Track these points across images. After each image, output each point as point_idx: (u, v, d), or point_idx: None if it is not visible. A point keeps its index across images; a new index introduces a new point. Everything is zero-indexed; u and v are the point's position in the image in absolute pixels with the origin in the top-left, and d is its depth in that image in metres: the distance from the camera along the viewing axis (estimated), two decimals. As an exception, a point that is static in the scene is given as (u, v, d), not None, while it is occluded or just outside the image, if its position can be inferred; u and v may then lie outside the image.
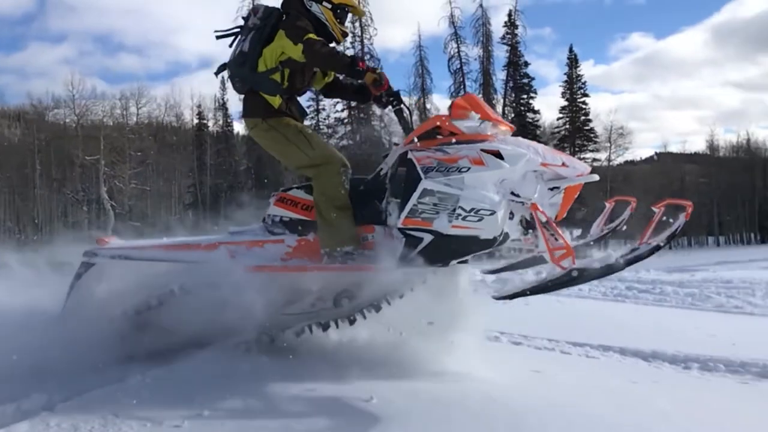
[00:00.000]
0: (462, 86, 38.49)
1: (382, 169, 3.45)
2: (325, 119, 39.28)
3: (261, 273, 3.36)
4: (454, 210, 3.01)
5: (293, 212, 3.52)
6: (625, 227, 3.54)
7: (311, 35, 3.27)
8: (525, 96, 39.57)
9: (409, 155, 3.19)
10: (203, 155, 38.93)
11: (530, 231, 3.29)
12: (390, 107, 3.43)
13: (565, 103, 40.51)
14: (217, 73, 3.78)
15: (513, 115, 39.47)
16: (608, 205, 3.61)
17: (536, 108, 39.64)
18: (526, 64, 39.24)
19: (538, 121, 39.79)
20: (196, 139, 39.82)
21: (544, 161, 3.09)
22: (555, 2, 69.75)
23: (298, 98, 3.66)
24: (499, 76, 38.79)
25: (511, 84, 39.35)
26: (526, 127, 38.54)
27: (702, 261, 16.32)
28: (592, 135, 40.44)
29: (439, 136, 3.19)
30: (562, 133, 40.27)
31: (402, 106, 3.41)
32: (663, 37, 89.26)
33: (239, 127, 39.61)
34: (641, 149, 58.53)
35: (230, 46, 3.62)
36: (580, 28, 77.53)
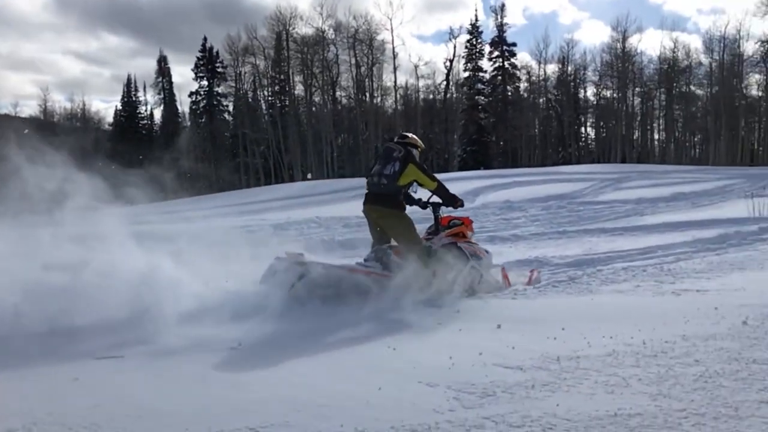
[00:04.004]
0: None
1: (431, 246, 5.91)
2: None
3: None
4: (481, 277, 6.04)
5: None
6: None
7: (438, 178, 5.78)
8: None
9: (459, 245, 5.95)
10: None
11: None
12: (432, 212, 6.02)
13: None
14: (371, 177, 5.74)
15: None
16: (528, 273, 6.86)
17: None
18: None
19: None
20: None
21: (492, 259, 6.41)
22: None
23: None
24: None
25: None
26: None
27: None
28: None
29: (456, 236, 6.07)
30: None
31: (438, 213, 6.03)
32: (3, -10, 76.38)
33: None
34: (-27, 107, 51.32)
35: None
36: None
